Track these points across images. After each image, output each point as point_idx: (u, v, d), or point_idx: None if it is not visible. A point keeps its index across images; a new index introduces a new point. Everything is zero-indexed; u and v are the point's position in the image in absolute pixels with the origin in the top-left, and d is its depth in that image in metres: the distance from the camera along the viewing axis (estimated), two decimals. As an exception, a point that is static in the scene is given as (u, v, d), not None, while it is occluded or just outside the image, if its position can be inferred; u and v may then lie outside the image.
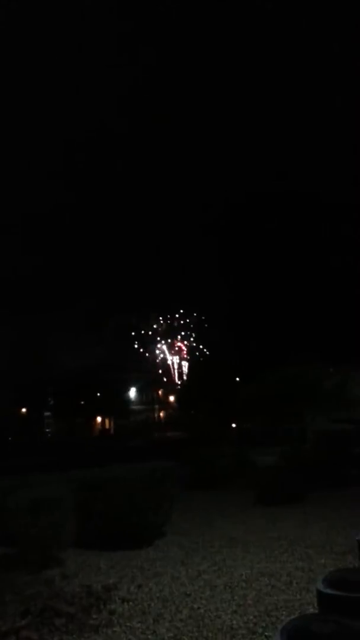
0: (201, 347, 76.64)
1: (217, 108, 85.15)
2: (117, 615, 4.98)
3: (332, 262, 49.73)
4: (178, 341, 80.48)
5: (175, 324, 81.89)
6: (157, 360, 77.99)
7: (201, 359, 66.87)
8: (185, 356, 78.19)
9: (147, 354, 76.99)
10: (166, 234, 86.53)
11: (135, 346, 76.14)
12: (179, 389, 50.05)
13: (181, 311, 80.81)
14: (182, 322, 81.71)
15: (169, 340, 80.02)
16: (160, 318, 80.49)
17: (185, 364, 75.20)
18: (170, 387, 65.89)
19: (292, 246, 56.33)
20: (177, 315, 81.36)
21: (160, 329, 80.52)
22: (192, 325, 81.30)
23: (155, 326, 79.85)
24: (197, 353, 75.39)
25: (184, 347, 79.85)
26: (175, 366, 78.42)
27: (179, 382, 67.03)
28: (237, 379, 30.31)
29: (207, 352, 72.32)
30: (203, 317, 78.02)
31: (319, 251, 53.10)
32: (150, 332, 79.24)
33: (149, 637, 4.49)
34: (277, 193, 56.35)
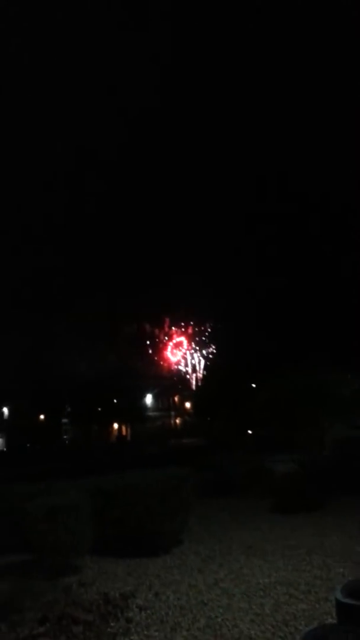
0: (216, 353, 76.47)
1: (221, 106, 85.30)
2: (135, 623, 4.98)
3: (343, 267, 49.27)
4: (192, 348, 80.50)
5: (190, 330, 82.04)
6: (173, 367, 78.13)
7: (216, 366, 66.77)
8: (200, 363, 78.11)
9: (161, 362, 77.22)
10: (179, 240, 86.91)
11: (150, 353, 76.42)
12: (195, 395, 49.99)
13: (194, 317, 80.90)
14: (196, 329, 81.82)
15: (184, 347, 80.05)
16: (174, 327, 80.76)
17: (200, 371, 75.14)
18: (187, 393, 65.85)
19: (307, 251, 56.00)
20: (191, 323, 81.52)
21: (175, 335, 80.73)
22: (207, 332, 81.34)
23: (169, 335, 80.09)
24: (212, 359, 75.27)
25: (199, 354, 79.81)
26: (191, 372, 78.41)
27: (195, 389, 66.96)
28: (253, 385, 30.14)
29: (222, 359, 72.19)
30: (219, 325, 78.03)
31: (334, 256, 52.66)
32: (165, 339, 79.50)
33: (167, 645, 4.48)
34: (287, 194, 56.20)
